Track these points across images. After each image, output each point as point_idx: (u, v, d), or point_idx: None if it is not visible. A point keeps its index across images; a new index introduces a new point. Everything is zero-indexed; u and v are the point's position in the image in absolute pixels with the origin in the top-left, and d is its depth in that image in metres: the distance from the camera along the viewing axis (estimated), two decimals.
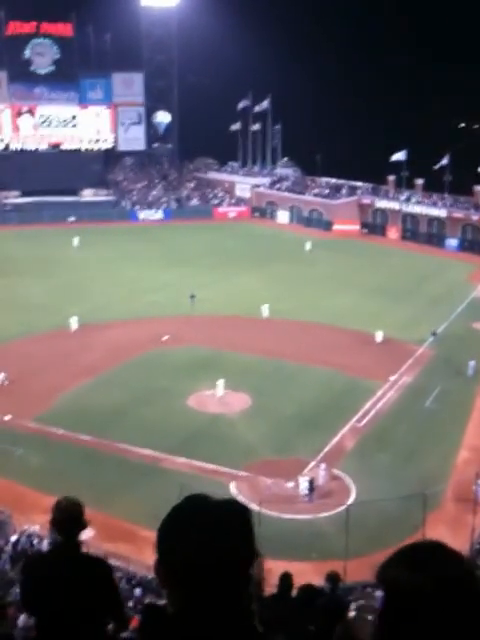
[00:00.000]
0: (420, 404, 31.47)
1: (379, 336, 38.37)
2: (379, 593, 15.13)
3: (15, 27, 73.16)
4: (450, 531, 22.55)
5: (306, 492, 24.35)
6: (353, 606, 11.92)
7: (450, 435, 29.01)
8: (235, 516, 1.71)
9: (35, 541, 20.31)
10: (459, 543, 20.48)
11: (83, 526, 3.81)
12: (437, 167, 65.26)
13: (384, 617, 1.55)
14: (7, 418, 28.90)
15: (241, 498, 23.24)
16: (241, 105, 78.34)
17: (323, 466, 25.36)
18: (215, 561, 1.63)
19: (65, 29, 74.90)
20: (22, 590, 4.06)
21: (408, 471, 25.92)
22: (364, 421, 29.94)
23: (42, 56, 75.15)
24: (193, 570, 1.63)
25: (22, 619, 10.28)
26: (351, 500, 23.87)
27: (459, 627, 1.47)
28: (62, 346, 36.99)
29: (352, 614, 9.48)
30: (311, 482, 24.43)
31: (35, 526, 20.91)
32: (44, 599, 3.57)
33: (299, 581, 11.39)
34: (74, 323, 39.46)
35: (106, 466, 25.78)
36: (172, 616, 1.69)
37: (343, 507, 22.67)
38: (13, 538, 21.53)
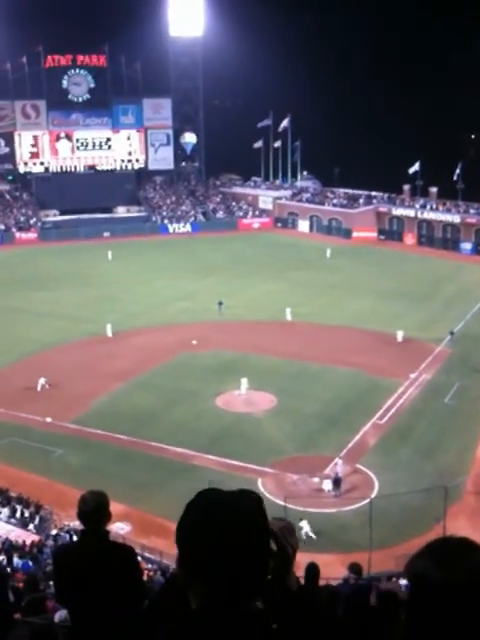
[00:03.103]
0: (439, 400, 30.70)
1: (400, 336, 37.62)
2: (403, 581, 14.51)
3: (53, 60, 74.38)
4: (471, 522, 21.81)
5: (331, 487, 23.76)
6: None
7: (469, 430, 28.21)
8: (247, 502, 1.68)
9: (74, 536, 20.08)
10: None
11: (109, 516, 3.68)
12: (455, 178, 64.22)
13: (411, 609, 1.51)
14: (48, 420, 28.87)
15: (267, 495, 22.78)
16: (262, 124, 78.23)
17: (340, 462, 24.74)
18: (230, 546, 1.59)
19: (99, 60, 75.90)
20: (55, 581, 3.95)
21: (429, 465, 25.22)
22: (386, 418, 29.22)
23: (78, 85, 76.09)
24: (210, 557, 1.59)
25: (62, 611, 9.94)
26: (374, 494, 23.23)
27: None
28: (98, 352, 36.96)
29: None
30: (337, 478, 23.82)
31: (75, 522, 20.70)
32: (76, 588, 3.45)
33: (325, 572, 10.88)
34: (109, 330, 39.44)
35: (141, 464, 25.53)
36: (194, 611, 1.64)
37: (367, 500, 22.04)
38: (53, 533, 21.38)
